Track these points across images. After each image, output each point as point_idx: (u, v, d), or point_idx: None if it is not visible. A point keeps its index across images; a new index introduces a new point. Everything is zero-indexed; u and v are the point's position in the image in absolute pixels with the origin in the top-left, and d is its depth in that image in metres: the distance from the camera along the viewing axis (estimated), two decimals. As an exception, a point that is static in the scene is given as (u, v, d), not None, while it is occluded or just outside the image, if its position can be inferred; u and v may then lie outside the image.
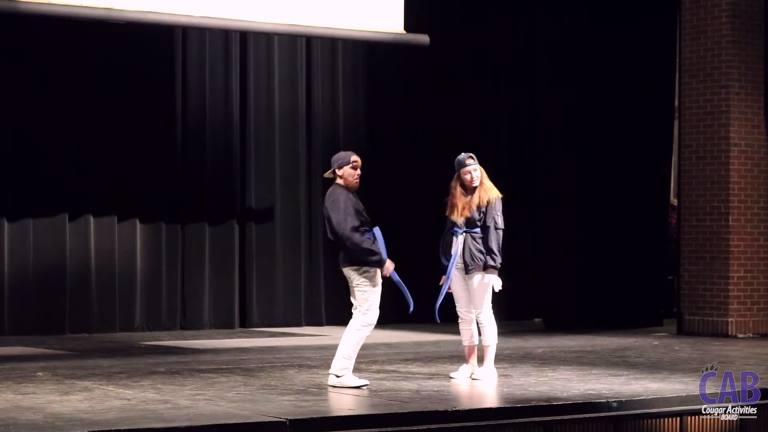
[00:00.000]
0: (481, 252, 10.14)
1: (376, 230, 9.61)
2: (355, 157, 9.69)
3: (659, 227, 16.49)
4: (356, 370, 10.25)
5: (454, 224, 10.22)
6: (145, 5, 12.63)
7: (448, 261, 10.23)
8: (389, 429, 8.00)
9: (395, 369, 10.90)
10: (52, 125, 14.07)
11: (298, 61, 15.66)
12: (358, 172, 9.68)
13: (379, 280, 9.62)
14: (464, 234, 10.15)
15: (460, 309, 10.29)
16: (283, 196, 15.54)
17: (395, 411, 8.50)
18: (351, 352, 9.60)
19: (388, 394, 9.22)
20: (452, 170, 10.30)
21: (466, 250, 10.15)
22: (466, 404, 8.86)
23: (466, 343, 10.35)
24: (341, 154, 9.78)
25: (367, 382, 9.67)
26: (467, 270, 10.15)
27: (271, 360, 11.58)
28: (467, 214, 10.16)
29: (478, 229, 10.16)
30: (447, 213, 10.29)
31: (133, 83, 14.53)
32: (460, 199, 10.20)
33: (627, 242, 15.89)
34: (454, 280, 10.23)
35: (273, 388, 9.46)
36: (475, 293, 10.19)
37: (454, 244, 10.20)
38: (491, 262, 10.14)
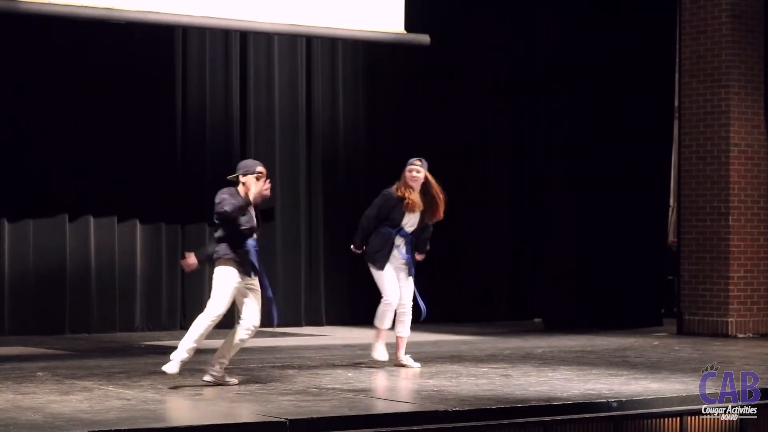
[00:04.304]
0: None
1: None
2: (260, 168, 9.54)
3: (659, 227, 16.48)
4: (356, 370, 10.24)
5: (399, 226, 10.68)
6: (145, 5, 12.64)
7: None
8: (389, 429, 8.00)
9: (395, 369, 10.89)
10: (53, 125, 14.05)
11: (298, 61, 15.65)
12: (264, 183, 9.51)
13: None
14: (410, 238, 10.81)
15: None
16: (283, 197, 15.52)
17: (395, 411, 8.51)
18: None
19: (388, 394, 9.21)
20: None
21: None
22: (466, 404, 8.85)
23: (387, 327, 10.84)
24: (247, 162, 9.71)
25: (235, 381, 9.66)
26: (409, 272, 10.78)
27: (271, 360, 11.57)
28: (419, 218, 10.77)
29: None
30: (407, 209, 10.66)
31: (133, 83, 14.53)
32: (418, 197, 10.74)
33: (627, 242, 15.88)
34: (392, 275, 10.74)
35: (273, 388, 9.45)
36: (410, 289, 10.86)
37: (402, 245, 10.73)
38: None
